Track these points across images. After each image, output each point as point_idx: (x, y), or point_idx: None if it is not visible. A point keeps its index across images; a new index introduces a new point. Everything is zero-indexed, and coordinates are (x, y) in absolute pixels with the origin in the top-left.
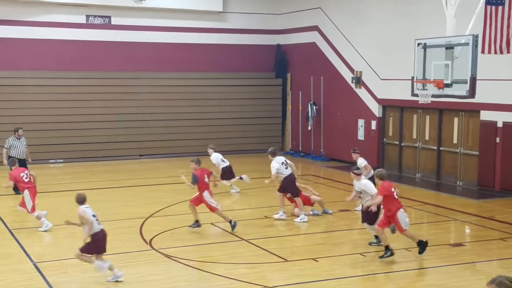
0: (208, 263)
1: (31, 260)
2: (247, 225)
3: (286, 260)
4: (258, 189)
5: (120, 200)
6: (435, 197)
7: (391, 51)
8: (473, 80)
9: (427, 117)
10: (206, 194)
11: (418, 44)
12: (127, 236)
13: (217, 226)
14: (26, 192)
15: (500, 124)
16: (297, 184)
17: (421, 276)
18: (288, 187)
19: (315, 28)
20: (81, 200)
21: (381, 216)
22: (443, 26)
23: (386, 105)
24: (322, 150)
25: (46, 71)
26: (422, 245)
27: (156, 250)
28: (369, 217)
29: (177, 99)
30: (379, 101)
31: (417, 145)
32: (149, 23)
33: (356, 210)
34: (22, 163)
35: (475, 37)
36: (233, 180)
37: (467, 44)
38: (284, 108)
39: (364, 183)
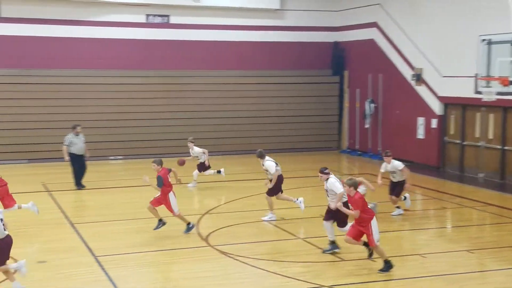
0: (263, 260)
1: (92, 254)
2: (302, 223)
3: (342, 260)
4: (312, 188)
5: (177, 197)
6: (498, 198)
7: (452, 47)
8: None
9: (491, 115)
10: (172, 196)
11: (482, 40)
12: (185, 233)
13: (271, 224)
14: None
15: None
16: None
17: (485, 279)
18: (279, 187)
19: (373, 24)
20: None
21: (351, 224)
22: (508, 21)
23: (448, 103)
24: (379, 149)
25: (107, 69)
26: (387, 265)
27: (212, 247)
28: (339, 217)
29: (233, 97)
30: (440, 98)
31: (480, 144)
32: (206, 22)
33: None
34: (81, 159)
35: None
36: (209, 172)
37: None
38: (341, 106)
39: (331, 182)
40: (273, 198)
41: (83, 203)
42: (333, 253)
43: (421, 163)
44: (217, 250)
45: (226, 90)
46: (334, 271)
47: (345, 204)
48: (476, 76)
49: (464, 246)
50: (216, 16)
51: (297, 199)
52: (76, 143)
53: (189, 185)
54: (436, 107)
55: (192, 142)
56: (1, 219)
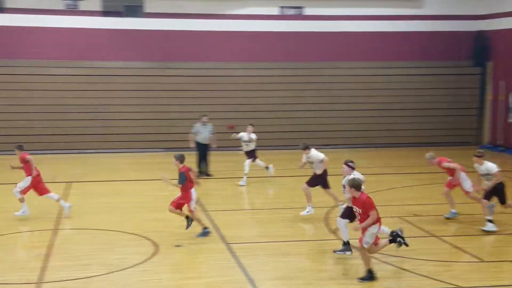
0: (396, 257)
1: (224, 241)
2: (435, 221)
3: (482, 261)
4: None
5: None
6: None
7: None
8: None
9: None
10: (194, 192)
11: None
12: (313, 225)
13: (406, 220)
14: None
15: None
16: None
17: None
18: (324, 180)
19: None
20: None
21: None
22: None
23: None
24: None
25: (237, 62)
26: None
27: (340, 239)
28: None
29: (362, 89)
30: None
31: None
32: (341, 13)
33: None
34: (204, 148)
35: None
36: (260, 163)
37: None
38: (481, 99)
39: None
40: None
41: (212, 191)
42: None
43: None
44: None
45: (358, 82)
46: (473, 272)
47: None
48: None
49: None
50: (352, 7)
51: (341, 204)
52: (202, 132)
53: (241, 182)
54: None
55: (252, 125)
56: None
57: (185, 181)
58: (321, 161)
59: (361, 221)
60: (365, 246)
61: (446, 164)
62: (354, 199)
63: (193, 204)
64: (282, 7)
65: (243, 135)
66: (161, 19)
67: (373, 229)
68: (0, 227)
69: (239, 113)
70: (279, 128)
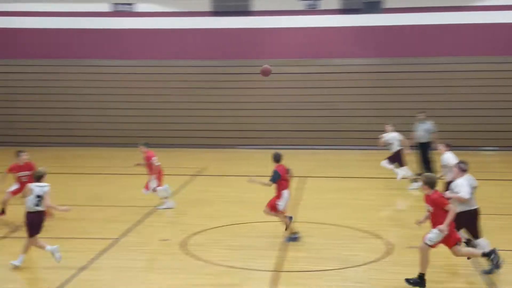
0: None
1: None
2: None
3: None
4: None
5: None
6: None
7: None
8: None
9: None
10: (287, 193)
11: None
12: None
13: None
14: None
15: None
16: None
17: None
18: None
19: None
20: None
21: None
22: None
23: None
24: None
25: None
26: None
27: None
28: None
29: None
30: None
31: None
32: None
33: None
34: (421, 147)
35: None
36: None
37: None
38: None
39: (459, 183)
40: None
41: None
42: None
43: None
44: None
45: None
46: None
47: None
48: None
49: None
50: None
51: None
52: (417, 130)
53: (411, 187)
54: None
55: (391, 126)
56: (38, 196)
57: (276, 180)
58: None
59: (432, 220)
60: (428, 243)
61: None
62: (426, 197)
63: (282, 205)
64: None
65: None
66: (400, 14)
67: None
68: (246, 215)
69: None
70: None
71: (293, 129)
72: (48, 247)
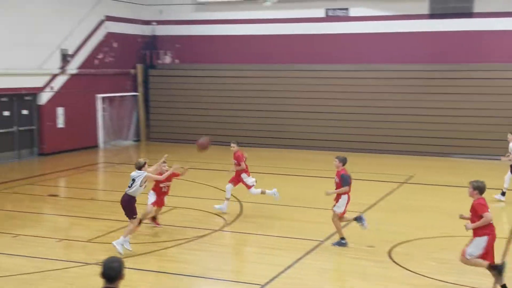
0: None
1: None
2: None
3: None
4: None
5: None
6: None
7: None
8: None
9: None
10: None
11: None
12: None
13: None
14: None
15: None
16: None
17: None
18: None
19: None
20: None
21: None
22: None
23: None
24: None
25: None
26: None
27: None
28: None
29: None
30: None
31: None
32: None
33: None
34: None
35: None
36: None
37: None
38: None
39: None
40: None
41: None
42: None
43: None
44: None
45: None
46: None
47: None
48: None
49: None
50: None
51: None
52: None
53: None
54: None
55: None
56: (133, 180)
57: (347, 184)
58: None
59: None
60: (468, 258)
61: None
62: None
63: (342, 208)
64: None
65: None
66: None
67: (480, 241)
68: (455, 227)
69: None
70: None
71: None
72: (127, 237)
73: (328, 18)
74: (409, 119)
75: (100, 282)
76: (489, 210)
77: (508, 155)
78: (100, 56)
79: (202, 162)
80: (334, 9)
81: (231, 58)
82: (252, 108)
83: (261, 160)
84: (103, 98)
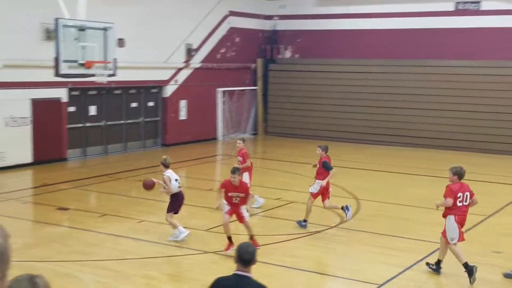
0: None
1: None
2: None
3: None
4: None
5: None
6: None
7: None
8: None
9: None
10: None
11: None
12: None
13: None
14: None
15: None
16: None
17: None
18: None
19: None
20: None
21: None
22: None
23: None
24: None
25: None
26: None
27: None
28: None
29: None
30: None
31: None
32: None
33: None
34: None
35: None
36: None
37: None
38: None
39: None
40: None
41: None
42: None
43: None
44: None
45: None
46: None
47: None
48: None
49: None
50: None
51: None
52: None
53: None
54: None
55: None
56: (176, 179)
57: (331, 168)
58: None
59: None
60: (451, 243)
61: None
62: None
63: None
64: None
65: None
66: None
67: (448, 221)
68: None
69: None
70: None
71: None
72: (180, 227)
73: (457, 12)
74: None
75: (214, 271)
76: (458, 195)
77: None
78: (223, 50)
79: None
80: (464, 2)
81: (352, 53)
82: (374, 104)
83: (374, 157)
84: (223, 92)
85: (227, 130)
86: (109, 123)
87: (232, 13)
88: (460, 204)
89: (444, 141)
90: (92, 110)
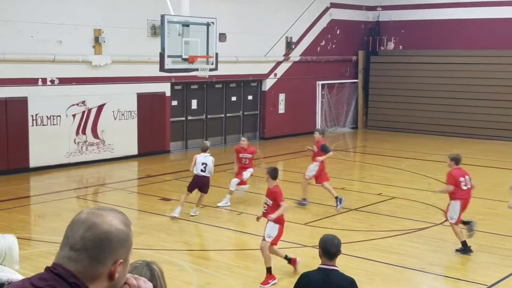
0: None
1: None
2: None
3: None
4: None
5: None
6: None
7: None
8: None
9: None
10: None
11: None
12: None
13: None
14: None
15: None
16: None
17: None
18: None
19: None
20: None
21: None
22: None
23: None
24: None
25: None
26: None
27: None
28: None
29: None
30: None
31: None
32: None
33: None
34: None
35: None
36: None
37: None
38: None
39: None
40: None
41: None
42: None
43: None
44: None
45: None
46: None
47: None
48: None
49: None
50: None
51: None
52: None
53: None
54: None
55: None
56: (203, 163)
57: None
58: None
59: None
60: (450, 221)
61: None
62: None
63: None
64: None
65: None
66: None
67: (453, 204)
68: None
69: None
70: None
71: None
72: (179, 208)
73: None
74: None
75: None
76: (460, 180)
77: None
78: (323, 43)
79: (426, 153)
80: None
81: (459, 43)
82: (481, 97)
83: (492, 153)
84: (323, 85)
85: (326, 123)
86: (209, 116)
87: (334, 5)
88: (465, 187)
89: None
90: (194, 104)
